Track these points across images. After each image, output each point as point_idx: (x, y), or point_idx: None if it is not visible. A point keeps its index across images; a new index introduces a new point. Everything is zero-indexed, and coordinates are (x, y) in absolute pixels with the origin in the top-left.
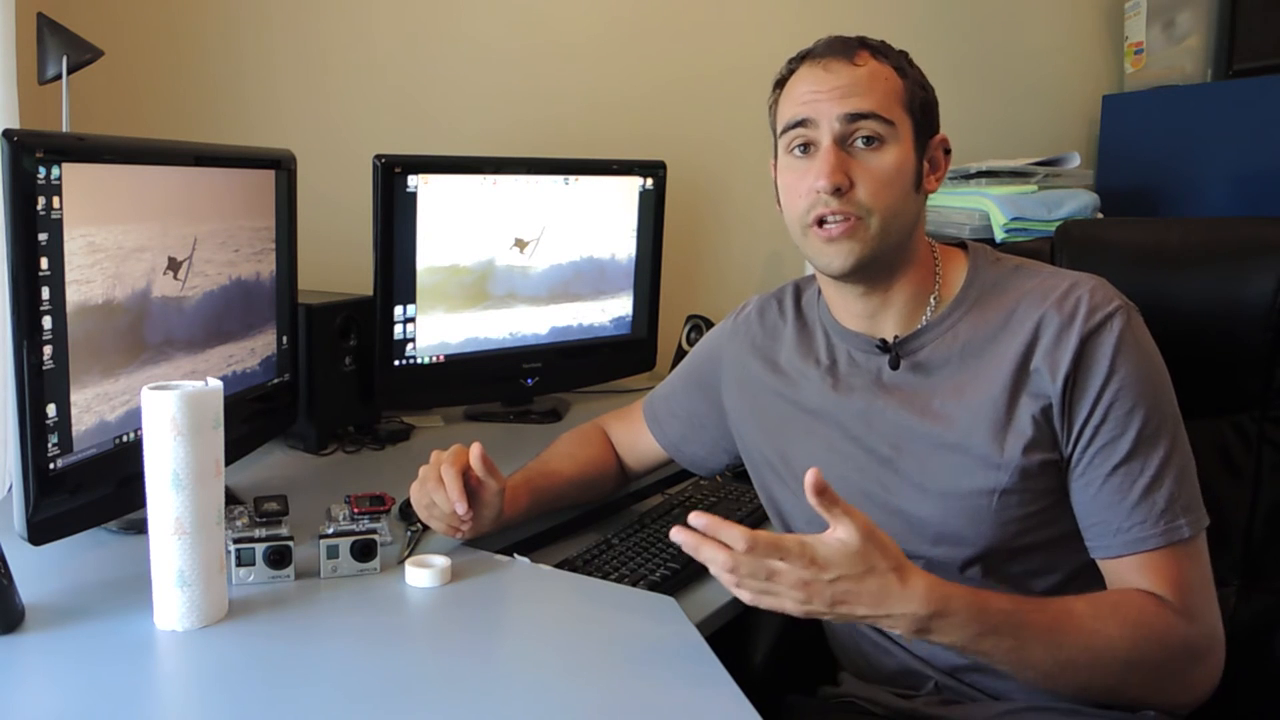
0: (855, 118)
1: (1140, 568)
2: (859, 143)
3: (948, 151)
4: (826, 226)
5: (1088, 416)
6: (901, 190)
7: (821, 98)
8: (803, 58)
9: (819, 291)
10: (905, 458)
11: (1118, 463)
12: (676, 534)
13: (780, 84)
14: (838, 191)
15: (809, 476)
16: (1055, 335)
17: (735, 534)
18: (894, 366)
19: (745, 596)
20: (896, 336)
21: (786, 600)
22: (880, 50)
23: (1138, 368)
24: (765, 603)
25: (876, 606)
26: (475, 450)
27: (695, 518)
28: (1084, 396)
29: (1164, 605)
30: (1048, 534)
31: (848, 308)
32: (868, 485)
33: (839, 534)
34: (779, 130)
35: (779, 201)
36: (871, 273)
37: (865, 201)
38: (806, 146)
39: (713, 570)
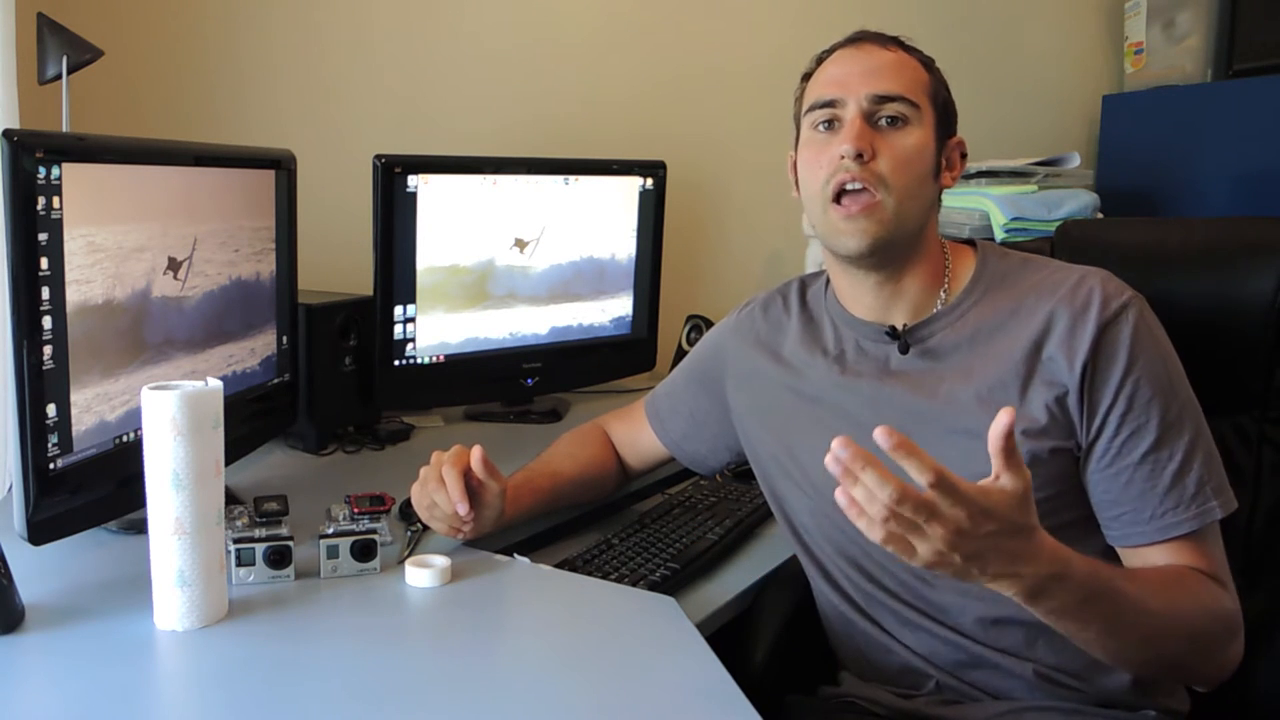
0: (882, 99)
1: (1169, 553)
2: (884, 121)
3: (964, 156)
4: (845, 203)
5: (1110, 405)
6: (920, 172)
7: (852, 78)
8: (834, 48)
9: (826, 283)
10: (913, 442)
11: (1146, 450)
12: (839, 445)
13: (807, 76)
14: (859, 157)
15: (1002, 416)
16: (1069, 325)
17: (924, 465)
18: (904, 352)
19: (876, 533)
20: (906, 324)
21: (924, 547)
22: (912, 47)
23: (1155, 356)
24: (895, 544)
25: (1009, 565)
26: (476, 453)
27: (883, 434)
28: (1105, 385)
29: (1212, 580)
30: (1053, 521)
31: (860, 299)
32: None
33: (1006, 484)
34: (805, 109)
35: (796, 187)
36: (886, 258)
37: (884, 174)
38: (831, 123)
39: (862, 494)
